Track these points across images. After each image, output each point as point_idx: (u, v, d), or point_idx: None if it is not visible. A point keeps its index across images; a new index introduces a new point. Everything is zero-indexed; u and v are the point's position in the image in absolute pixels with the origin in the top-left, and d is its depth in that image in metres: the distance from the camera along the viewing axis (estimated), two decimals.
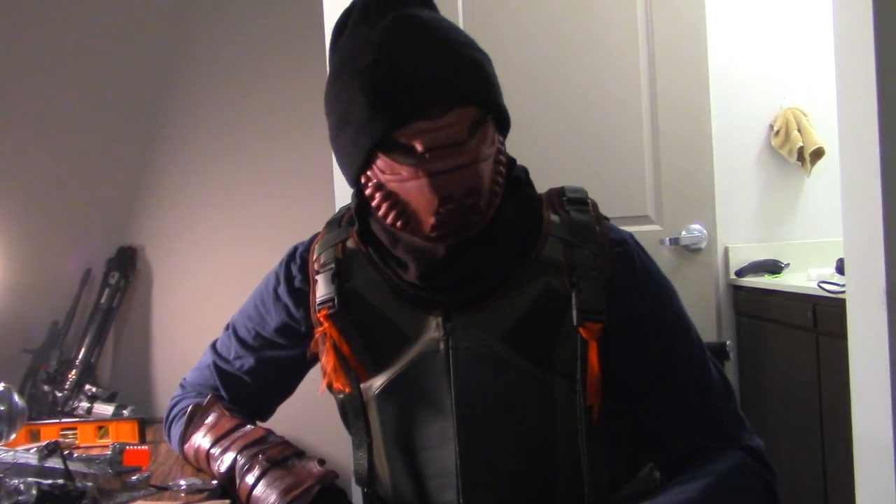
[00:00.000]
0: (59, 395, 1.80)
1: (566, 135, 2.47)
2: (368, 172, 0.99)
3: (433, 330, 1.04)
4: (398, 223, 0.99)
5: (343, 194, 1.89)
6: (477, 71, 0.96)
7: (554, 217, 1.06)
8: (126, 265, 1.93)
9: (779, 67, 2.91)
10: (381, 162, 0.96)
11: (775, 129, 2.89)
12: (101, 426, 1.59)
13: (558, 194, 1.10)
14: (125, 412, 1.72)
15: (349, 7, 1.01)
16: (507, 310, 1.03)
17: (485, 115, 0.97)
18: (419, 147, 0.93)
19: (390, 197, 0.98)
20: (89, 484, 1.10)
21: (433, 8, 1.03)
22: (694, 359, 1.07)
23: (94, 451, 1.45)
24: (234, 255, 1.97)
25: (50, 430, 1.55)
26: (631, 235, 1.10)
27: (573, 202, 1.08)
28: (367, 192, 1.00)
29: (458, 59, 0.95)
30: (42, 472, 1.12)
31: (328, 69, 1.04)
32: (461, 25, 2.40)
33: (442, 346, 1.04)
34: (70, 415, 1.76)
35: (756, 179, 2.93)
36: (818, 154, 2.82)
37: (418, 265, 1.02)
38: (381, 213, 1.00)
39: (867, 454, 1.71)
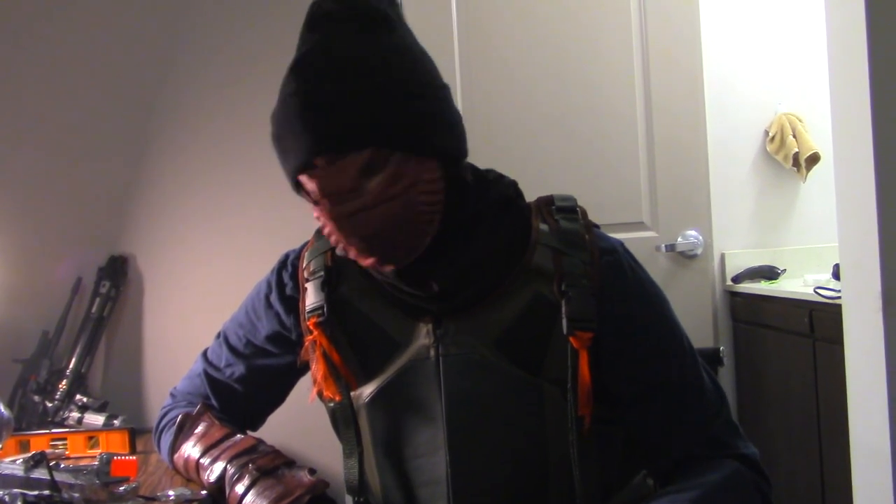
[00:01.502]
0: (50, 405, 1.79)
1: (561, 142, 2.47)
2: None
3: (423, 337, 1.03)
4: (337, 244, 0.99)
5: None
6: (370, 110, 0.90)
7: (543, 226, 1.05)
8: (117, 274, 1.92)
9: (774, 73, 2.91)
10: (304, 192, 0.98)
11: (770, 134, 2.88)
12: (92, 436, 1.57)
13: (547, 203, 1.09)
14: (116, 422, 1.70)
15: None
16: (497, 317, 1.02)
17: (387, 154, 0.92)
18: (314, 193, 0.94)
19: (321, 218, 0.98)
20: (76, 495, 1.09)
21: (378, 25, 0.95)
22: (686, 367, 1.06)
23: (84, 462, 1.43)
24: (225, 263, 1.96)
25: (40, 441, 1.54)
26: (621, 244, 1.09)
27: (562, 211, 1.07)
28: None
29: (348, 103, 0.90)
30: (28, 483, 1.10)
31: None
32: (455, 34, 2.40)
33: (432, 352, 1.03)
34: (60, 425, 1.75)
35: (752, 185, 2.92)
36: (814, 159, 2.81)
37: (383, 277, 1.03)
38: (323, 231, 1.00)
39: (864, 460, 1.70)
